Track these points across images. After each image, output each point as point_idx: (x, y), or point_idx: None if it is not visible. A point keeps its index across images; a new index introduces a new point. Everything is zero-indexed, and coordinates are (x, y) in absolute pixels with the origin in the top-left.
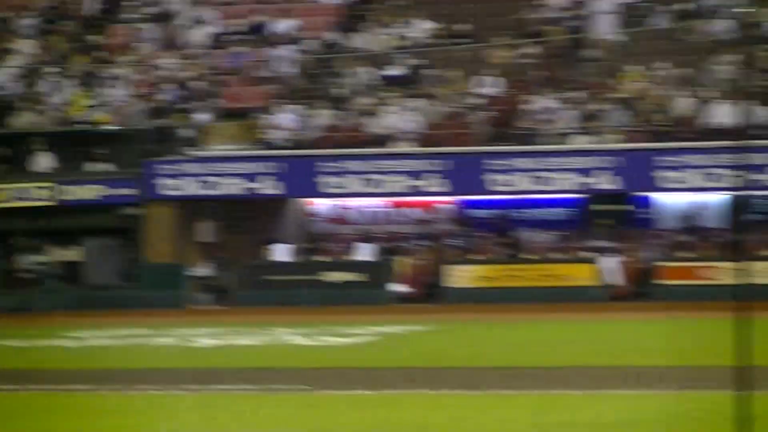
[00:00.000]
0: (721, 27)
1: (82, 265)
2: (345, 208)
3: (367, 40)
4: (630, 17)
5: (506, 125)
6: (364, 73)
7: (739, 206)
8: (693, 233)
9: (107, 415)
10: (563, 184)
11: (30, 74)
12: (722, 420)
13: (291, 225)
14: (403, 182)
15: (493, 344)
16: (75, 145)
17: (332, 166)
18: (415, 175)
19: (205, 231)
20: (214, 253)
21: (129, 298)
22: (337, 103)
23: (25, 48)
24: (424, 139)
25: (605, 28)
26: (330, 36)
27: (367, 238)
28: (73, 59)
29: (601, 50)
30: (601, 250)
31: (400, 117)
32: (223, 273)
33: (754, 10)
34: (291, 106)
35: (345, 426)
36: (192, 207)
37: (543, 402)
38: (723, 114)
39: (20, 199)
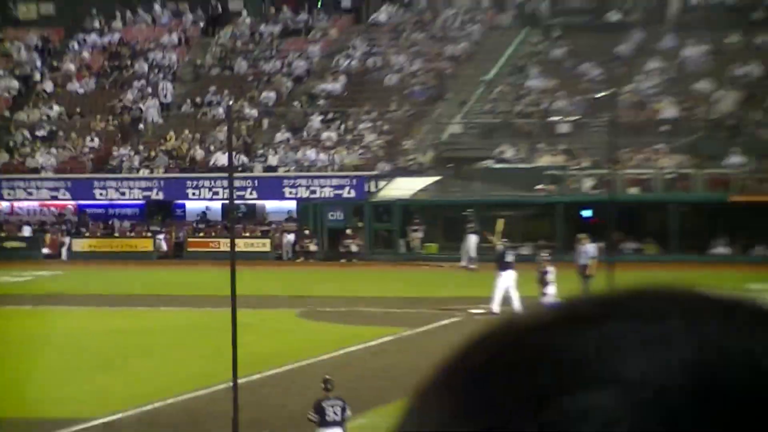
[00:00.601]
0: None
1: None
2: (16, 207)
3: (27, 114)
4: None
5: (104, 163)
6: (25, 133)
7: (229, 209)
8: (206, 223)
9: None
10: (136, 195)
11: None
12: (225, 326)
13: None
14: (47, 193)
15: (95, 282)
16: None
17: (8, 184)
18: (53, 189)
19: None
20: None
21: None
22: (11, 148)
23: None
24: (59, 169)
25: (155, 113)
26: (7, 113)
27: (28, 223)
28: None
29: (154, 124)
30: (155, 232)
31: (46, 157)
32: None
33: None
34: None
35: (26, 328)
36: None
37: (123, 314)
38: (220, 158)
39: None
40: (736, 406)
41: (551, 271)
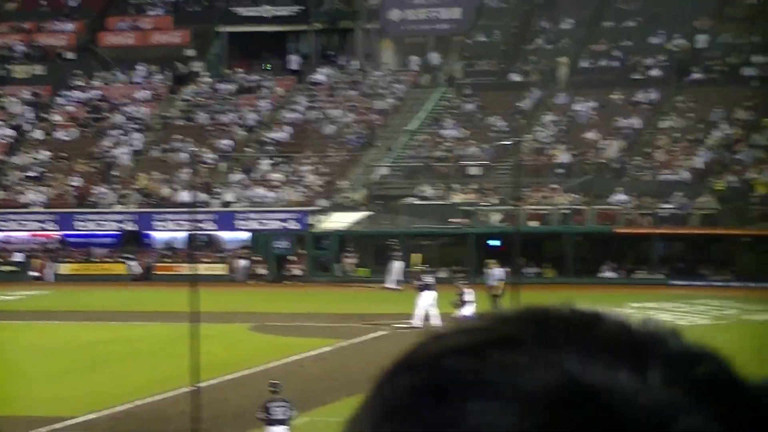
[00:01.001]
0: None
1: None
2: (10, 236)
3: (21, 158)
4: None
5: (85, 199)
6: (18, 174)
7: (191, 238)
8: (172, 250)
9: None
10: (112, 226)
11: None
12: (187, 337)
13: None
14: (37, 224)
15: (77, 300)
16: None
17: (3, 217)
18: (41, 221)
19: None
20: None
21: None
22: (7, 187)
23: None
24: (47, 204)
25: (128, 157)
26: (3, 157)
27: (19, 250)
28: None
29: (123, 168)
30: (128, 258)
31: (36, 194)
32: None
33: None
34: None
35: (18, 340)
36: None
37: (100, 328)
38: (183, 196)
39: None
40: (582, 414)
41: (468, 293)
